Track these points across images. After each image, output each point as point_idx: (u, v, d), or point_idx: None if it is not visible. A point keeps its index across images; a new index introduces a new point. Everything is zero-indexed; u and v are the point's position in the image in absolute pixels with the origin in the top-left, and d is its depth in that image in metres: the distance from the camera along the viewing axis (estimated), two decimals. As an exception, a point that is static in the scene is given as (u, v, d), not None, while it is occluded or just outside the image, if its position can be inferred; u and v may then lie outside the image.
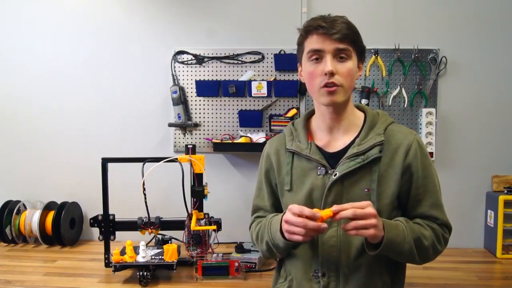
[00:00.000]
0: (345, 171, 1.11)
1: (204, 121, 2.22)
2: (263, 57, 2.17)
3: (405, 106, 2.13)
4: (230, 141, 2.15)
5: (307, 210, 1.02)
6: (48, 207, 2.19)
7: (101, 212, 1.83)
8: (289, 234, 1.05)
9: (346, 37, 1.09)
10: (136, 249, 1.74)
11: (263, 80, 2.15)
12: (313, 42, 1.11)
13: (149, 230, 1.82)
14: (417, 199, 1.15)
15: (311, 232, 1.02)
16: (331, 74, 1.08)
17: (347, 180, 1.12)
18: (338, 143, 1.18)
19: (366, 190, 1.11)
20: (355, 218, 0.99)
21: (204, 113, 2.21)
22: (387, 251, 1.05)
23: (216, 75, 2.20)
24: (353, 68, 1.12)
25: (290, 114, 2.13)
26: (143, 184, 1.71)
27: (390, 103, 2.14)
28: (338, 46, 1.09)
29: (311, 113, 1.27)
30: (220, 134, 2.20)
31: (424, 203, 1.15)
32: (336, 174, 1.12)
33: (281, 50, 2.14)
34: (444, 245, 1.16)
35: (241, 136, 2.16)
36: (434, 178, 1.17)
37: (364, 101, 2.10)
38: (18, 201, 2.22)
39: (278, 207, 1.27)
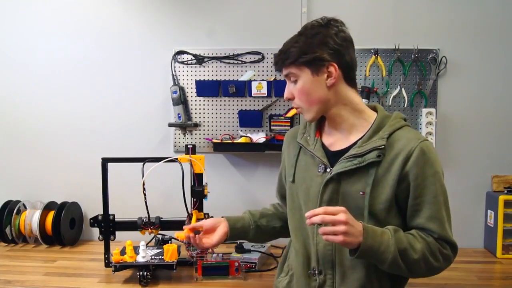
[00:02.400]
0: (339, 170, 1.12)
1: (204, 121, 2.22)
2: (263, 57, 2.17)
3: (405, 106, 2.13)
4: (230, 141, 2.15)
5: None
6: (48, 207, 2.19)
7: (101, 212, 1.83)
8: None
9: (282, 64, 1.16)
10: (136, 249, 1.74)
11: (263, 80, 2.15)
12: None
13: (149, 230, 1.82)
14: (415, 210, 1.11)
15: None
16: (289, 99, 1.20)
17: (344, 180, 1.12)
18: (343, 142, 1.18)
19: (361, 193, 1.11)
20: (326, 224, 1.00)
21: (204, 113, 2.21)
22: (367, 258, 1.04)
23: (216, 75, 2.20)
24: (303, 86, 1.15)
25: (290, 114, 2.12)
26: (143, 184, 1.71)
27: (390, 103, 2.14)
28: (284, 73, 1.18)
29: None
30: (220, 134, 2.20)
31: (422, 215, 1.10)
32: (332, 173, 1.13)
33: (281, 50, 2.14)
34: (444, 262, 1.10)
35: (241, 136, 2.16)
36: (436, 189, 1.10)
37: (364, 101, 2.09)
38: (18, 201, 2.22)
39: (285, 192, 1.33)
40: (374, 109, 1.22)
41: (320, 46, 1.12)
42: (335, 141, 1.20)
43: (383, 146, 1.10)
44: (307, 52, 1.12)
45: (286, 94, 1.19)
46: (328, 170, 1.14)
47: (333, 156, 1.16)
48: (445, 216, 1.11)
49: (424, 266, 1.08)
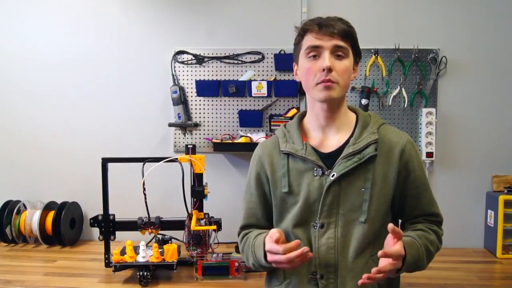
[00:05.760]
0: (342, 171, 1.11)
1: (204, 121, 2.22)
2: (263, 57, 2.17)
3: (405, 106, 2.14)
4: (230, 141, 2.15)
5: (289, 246, 1.01)
6: (48, 207, 2.19)
7: (101, 212, 1.83)
8: (276, 264, 1.05)
9: (345, 35, 1.10)
10: (136, 249, 1.74)
11: (263, 80, 2.15)
12: (312, 39, 1.12)
13: (149, 230, 1.82)
14: (417, 197, 1.17)
15: (299, 262, 1.02)
16: (329, 70, 1.09)
17: (344, 180, 1.12)
18: (331, 143, 1.17)
19: (362, 190, 1.11)
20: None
21: (204, 113, 2.21)
22: (404, 272, 1.08)
23: (216, 75, 2.20)
24: (349, 66, 1.12)
25: (290, 114, 2.13)
26: (143, 184, 1.71)
27: (390, 103, 2.14)
28: (336, 43, 1.10)
29: (303, 114, 1.27)
30: (220, 134, 2.20)
31: (424, 201, 1.17)
32: (333, 175, 1.11)
33: (281, 50, 2.14)
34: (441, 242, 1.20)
35: (241, 136, 2.16)
36: (425, 177, 1.20)
37: (364, 101, 2.10)
38: (18, 201, 2.22)
39: (269, 210, 1.25)
40: (352, 110, 1.24)
41: (359, 44, 1.17)
42: (321, 142, 1.19)
43: (377, 140, 1.13)
44: (358, 43, 1.16)
45: (329, 63, 1.08)
46: (326, 173, 1.14)
47: (327, 158, 1.15)
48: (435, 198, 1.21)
49: (435, 254, 1.15)
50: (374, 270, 0.97)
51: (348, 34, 1.11)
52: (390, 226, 0.99)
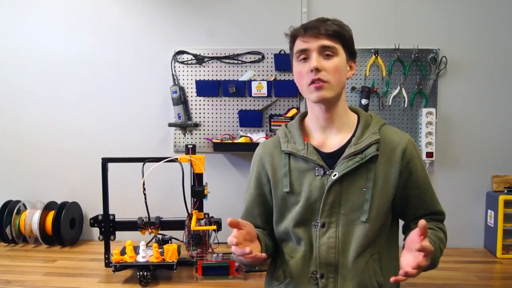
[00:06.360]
0: (344, 171, 1.11)
1: (204, 121, 2.22)
2: (263, 57, 2.18)
3: (405, 106, 2.14)
4: (230, 141, 2.16)
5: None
6: (48, 207, 2.19)
7: (101, 212, 1.83)
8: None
9: (330, 35, 1.11)
10: (136, 249, 1.74)
11: (263, 80, 2.15)
12: (300, 43, 1.14)
13: (149, 230, 1.82)
14: (421, 197, 1.18)
15: (249, 260, 1.03)
16: (317, 70, 1.10)
17: (345, 180, 1.12)
18: (333, 143, 1.18)
19: (363, 189, 1.12)
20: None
21: (204, 113, 2.21)
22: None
23: (216, 75, 2.20)
24: (340, 64, 1.12)
25: (290, 114, 2.13)
26: (143, 184, 1.71)
27: (390, 103, 2.14)
28: (322, 43, 1.11)
29: (304, 114, 1.27)
30: (220, 134, 2.20)
31: (428, 200, 1.19)
32: (335, 175, 1.12)
33: (281, 50, 2.14)
34: None
35: (241, 136, 2.16)
36: (427, 176, 1.21)
37: (364, 101, 2.10)
38: (18, 201, 2.22)
39: (267, 211, 1.25)
40: (353, 111, 1.25)
41: (353, 42, 1.18)
42: (323, 142, 1.19)
43: (379, 140, 1.13)
44: (351, 39, 1.17)
45: (316, 63, 1.09)
46: (328, 172, 1.14)
47: (329, 158, 1.16)
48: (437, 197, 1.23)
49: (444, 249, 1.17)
50: (414, 264, 0.93)
51: (335, 33, 1.11)
52: (422, 222, 0.93)
